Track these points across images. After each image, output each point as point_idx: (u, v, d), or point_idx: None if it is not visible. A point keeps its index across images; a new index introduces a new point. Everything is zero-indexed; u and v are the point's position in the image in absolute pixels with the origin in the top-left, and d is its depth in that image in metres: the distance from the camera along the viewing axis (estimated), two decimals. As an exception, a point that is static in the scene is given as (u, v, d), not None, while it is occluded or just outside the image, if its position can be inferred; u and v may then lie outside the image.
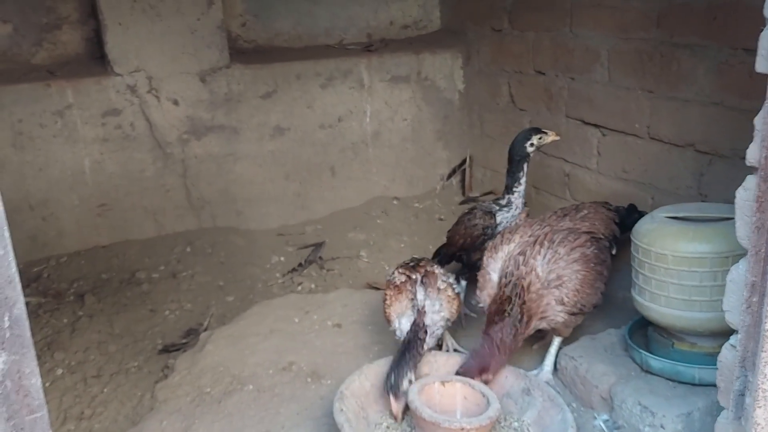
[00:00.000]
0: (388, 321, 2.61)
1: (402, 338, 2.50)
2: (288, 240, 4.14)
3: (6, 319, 1.01)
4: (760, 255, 1.59)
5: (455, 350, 2.81)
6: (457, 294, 2.65)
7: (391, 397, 2.31)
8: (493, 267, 2.59)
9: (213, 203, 4.17)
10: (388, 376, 2.35)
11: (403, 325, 2.53)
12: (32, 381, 1.06)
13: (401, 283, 2.63)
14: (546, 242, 2.53)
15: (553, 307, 2.47)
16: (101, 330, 3.24)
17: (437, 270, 2.68)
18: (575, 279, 2.50)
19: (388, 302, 2.62)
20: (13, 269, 1.01)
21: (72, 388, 2.85)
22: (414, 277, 2.64)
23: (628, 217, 2.99)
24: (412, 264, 2.75)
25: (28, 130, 3.74)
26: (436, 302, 2.56)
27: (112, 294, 3.55)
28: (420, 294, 2.57)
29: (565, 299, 2.47)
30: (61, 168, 3.83)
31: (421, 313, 2.52)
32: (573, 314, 2.52)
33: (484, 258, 2.64)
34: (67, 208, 3.89)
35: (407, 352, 2.40)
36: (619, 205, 3.11)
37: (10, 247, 1.01)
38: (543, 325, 2.52)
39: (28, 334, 1.05)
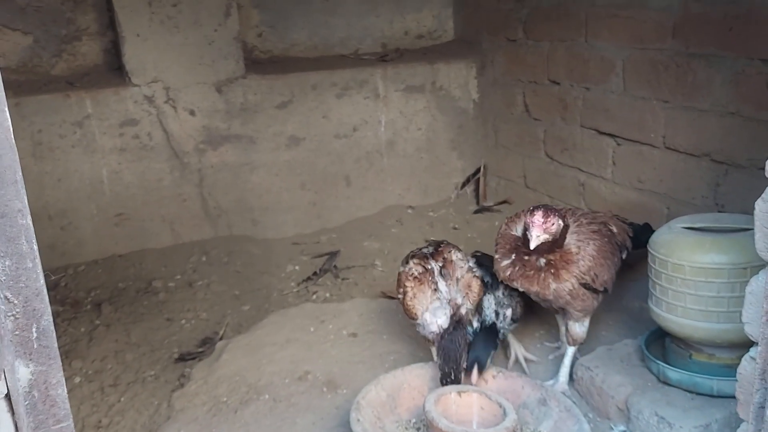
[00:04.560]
0: (411, 315, 2.54)
1: (431, 333, 2.49)
2: (303, 249, 4.16)
3: (34, 330, 1.03)
4: (780, 267, 1.58)
5: (525, 359, 2.78)
6: (477, 275, 2.61)
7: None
8: (515, 227, 2.58)
9: (229, 212, 4.20)
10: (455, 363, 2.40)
11: (436, 319, 2.48)
12: (58, 391, 1.07)
13: (420, 274, 2.57)
14: (568, 213, 2.58)
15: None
16: (118, 339, 3.27)
17: (454, 256, 2.63)
18: (592, 245, 2.50)
19: (410, 295, 2.54)
20: (41, 282, 1.03)
21: (89, 397, 2.87)
22: (430, 267, 2.59)
23: (642, 234, 2.92)
24: (429, 252, 2.69)
25: (47, 140, 3.79)
26: (458, 295, 2.53)
27: (128, 303, 3.58)
28: (442, 285, 2.53)
29: (581, 263, 2.45)
30: (79, 178, 3.88)
31: (458, 306, 2.50)
32: (584, 285, 2.47)
33: (503, 225, 2.65)
34: (86, 217, 3.94)
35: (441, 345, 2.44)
36: (634, 222, 3.08)
37: (38, 260, 1.03)
38: (554, 286, 2.47)
39: (55, 345, 1.07)
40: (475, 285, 2.58)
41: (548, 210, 2.37)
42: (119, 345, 3.23)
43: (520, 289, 2.55)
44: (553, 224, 2.36)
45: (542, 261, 2.44)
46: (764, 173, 1.58)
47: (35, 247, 1.04)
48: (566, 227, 2.45)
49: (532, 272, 2.46)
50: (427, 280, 2.55)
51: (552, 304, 2.56)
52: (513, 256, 2.50)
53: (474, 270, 2.63)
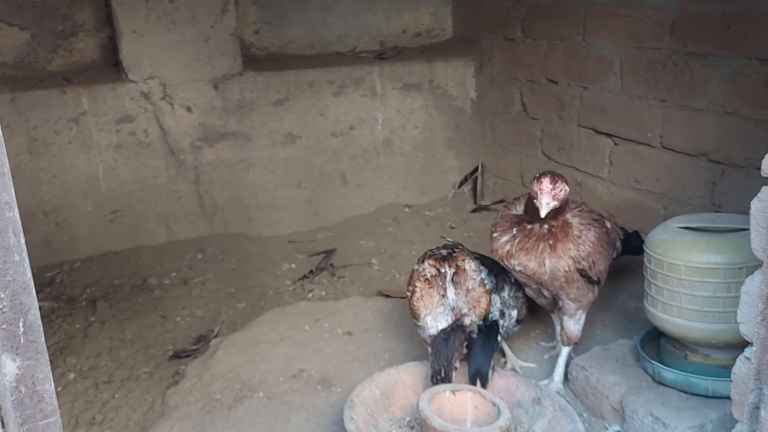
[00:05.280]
0: (414, 315, 2.54)
1: (429, 337, 2.49)
2: (299, 247, 4.15)
3: (21, 324, 1.02)
4: (775, 267, 1.58)
5: (521, 367, 2.77)
6: (487, 290, 2.58)
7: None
8: (514, 209, 2.57)
9: (225, 210, 4.19)
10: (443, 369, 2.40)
11: (437, 324, 2.48)
12: (45, 386, 1.07)
13: (432, 276, 2.55)
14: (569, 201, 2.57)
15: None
16: (113, 336, 3.26)
17: (468, 265, 2.59)
18: (593, 232, 2.49)
19: (417, 295, 2.53)
20: (28, 276, 1.02)
21: (83, 393, 2.86)
22: (444, 270, 2.56)
23: (631, 241, 2.93)
24: (444, 254, 2.65)
25: (43, 136, 3.77)
26: (464, 305, 2.52)
27: (123, 300, 3.57)
28: (451, 293, 2.52)
29: (580, 247, 2.43)
30: (75, 174, 3.87)
31: (462, 315, 2.49)
32: (580, 272, 2.45)
33: (503, 209, 2.65)
34: (81, 213, 3.92)
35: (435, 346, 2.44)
36: (624, 227, 3.06)
37: (25, 254, 1.02)
38: (549, 264, 2.43)
39: (42, 340, 1.06)
40: (484, 301, 2.55)
41: (555, 176, 2.36)
42: (114, 342, 3.22)
43: (517, 269, 2.49)
44: (561, 190, 2.35)
45: (545, 227, 2.42)
46: (761, 173, 1.58)
47: (23, 240, 1.03)
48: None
49: (531, 243, 2.42)
50: (437, 284, 2.54)
51: (547, 288, 2.52)
52: (514, 231, 2.48)
53: (486, 283, 2.59)
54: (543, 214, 2.33)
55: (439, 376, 2.38)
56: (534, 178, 2.38)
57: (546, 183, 2.33)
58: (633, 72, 3.30)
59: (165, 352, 3.15)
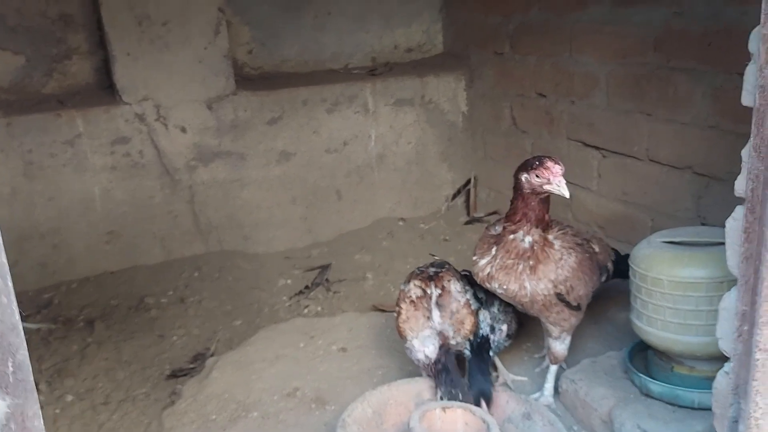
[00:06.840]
0: (402, 336, 2.58)
1: (417, 360, 2.54)
2: (295, 263, 4.18)
3: (9, 364, 1.06)
4: (750, 284, 1.62)
5: (512, 380, 2.80)
6: (472, 311, 2.59)
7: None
8: (493, 229, 2.60)
9: (220, 228, 4.23)
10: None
11: (424, 348, 2.51)
12: (35, 423, 1.10)
13: (417, 298, 2.58)
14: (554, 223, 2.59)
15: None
16: (109, 357, 3.29)
17: (453, 287, 2.61)
18: (574, 257, 2.49)
19: (403, 317, 2.57)
20: (16, 317, 1.06)
21: (80, 416, 2.88)
22: (429, 292, 2.59)
23: (622, 264, 2.80)
24: (431, 273, 2.67)
25: (38, 159, 3.82)
26: (449, 329, 2.55)
27: (120, 320, 3.60)
28: (436, 316, 2.55)
29: (559, 271, 2.44)
30: (70, 196, 3.91)
31: (446, 337, 2.52)
32: (558, 296, 2.45)
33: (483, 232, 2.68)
34: (77, 235, 3.96)
35: (443, 373, 2.47)
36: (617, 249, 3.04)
37: (13, 296, 1.06)
38: (529, 287, 2.43)
39: (31, 378, 1.10)
40: (468, 323, 2.57)
41: (553, 158, 2.34)
42: (110, 363, 3.25)
43: (498, 292, 2.50)
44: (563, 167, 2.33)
45: (528, 240, 2.41)
46: (734, 193, 1.62)
47: (10, 283, 1.07)
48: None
49: (512, 261, 2.41)
50: (423, 306, 2.56)
51: (528, 310, 2.55)
52: (493, 251, 2.48)
53: (471, 304, 2.60)
54: (568, 194, 2.33)
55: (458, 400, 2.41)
56: (529, 167, 2.35)
57: (554, 166, 2.30)
58: (619, 87, 3.35)
59: (162, 372, 3.18)
